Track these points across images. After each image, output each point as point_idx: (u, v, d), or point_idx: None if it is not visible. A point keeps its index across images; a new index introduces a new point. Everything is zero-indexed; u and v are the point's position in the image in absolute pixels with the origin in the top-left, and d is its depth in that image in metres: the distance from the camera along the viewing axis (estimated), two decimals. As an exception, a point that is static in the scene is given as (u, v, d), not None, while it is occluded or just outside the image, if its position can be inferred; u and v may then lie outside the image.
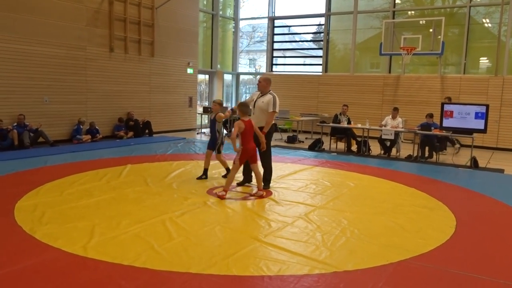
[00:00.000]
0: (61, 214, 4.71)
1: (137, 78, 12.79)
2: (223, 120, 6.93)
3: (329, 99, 14.91)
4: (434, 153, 9.80)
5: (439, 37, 12.39)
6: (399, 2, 14.67)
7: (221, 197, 5.59)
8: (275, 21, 17.00)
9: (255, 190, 6.01)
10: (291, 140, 12.37)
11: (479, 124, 9.10)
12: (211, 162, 6.93)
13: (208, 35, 16.77)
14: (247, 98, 7.40)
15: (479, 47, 13.43)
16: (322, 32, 16.01)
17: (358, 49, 15.14)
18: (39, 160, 7.95)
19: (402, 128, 10.51)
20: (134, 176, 6.79)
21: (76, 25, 10.97)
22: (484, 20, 13.40)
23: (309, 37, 18.73)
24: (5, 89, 9.62)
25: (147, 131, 12.68)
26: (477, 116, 9.11)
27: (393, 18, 14.09)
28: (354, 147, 10.86)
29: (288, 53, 18.05)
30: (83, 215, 4.71)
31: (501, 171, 8.71)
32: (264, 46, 17.72)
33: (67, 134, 10.93)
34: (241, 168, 6.14)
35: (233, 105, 15.20)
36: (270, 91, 6.33)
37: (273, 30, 16.91)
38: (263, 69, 17.90)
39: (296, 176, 7.29)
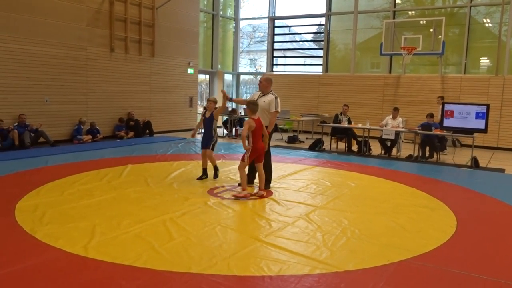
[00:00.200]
0: (62, 214, 4.71)
1: (138, 78, 12.80)
2: (224, 120, 6.94)
3: (329, 99, 14.91)
4: (434, 153, 9.79)
5: (440, 37, 12.39)
6: (400, 2, 14.66)
7: (246, 196, 5.62)
8: (276, 21, 17.01)
9: (256, 189, 6.01)
10: (292, 140, 12.37)
11: (480, 124, 9.10)
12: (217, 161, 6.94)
13: (209, 35, 16.78)
14: (247, 97, 7.40)
15: (480, 47, 13.42)
16: (322, 32, 16.01)
17: (359, 49, 15.14)
18: (39, 160, 7.95)
19: (403, 128, 10.50)
20: (134, 176, 6.79)
21: (76, 25, 10.98)
22: (484, 20, 13.39)
23: (310, 37, 18.74)
24: (5, 89, 9.63)
25: (147, 131, 12.69)
26: (478, 116, 9.12)
27: (394, 18, 14.09)
28: (354, 147, 10.85)
29: (288, 53, 18.06)
30: (83, 215, 4.71)
31: (502, 171, 8.70)
32: (264, 46, 17.73)
33: (68, 134, 10.94)
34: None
35: (233, 105, 15.14)
36: (271, 91, 6.33)
37: (273, 30, 16.92)
38: (264, 69, 17.90)
39: (296, 176, 7.29)
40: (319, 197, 5.91)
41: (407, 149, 10.68)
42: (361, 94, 14.31)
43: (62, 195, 5.52)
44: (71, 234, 4.10)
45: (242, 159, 5.75)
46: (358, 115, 12.91)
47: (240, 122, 13.89)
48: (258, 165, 5.90)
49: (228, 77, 18.04)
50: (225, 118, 13.91)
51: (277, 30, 17.15)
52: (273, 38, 16.98)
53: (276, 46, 17.14)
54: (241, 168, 5.79)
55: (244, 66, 20.03)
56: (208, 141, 6.68)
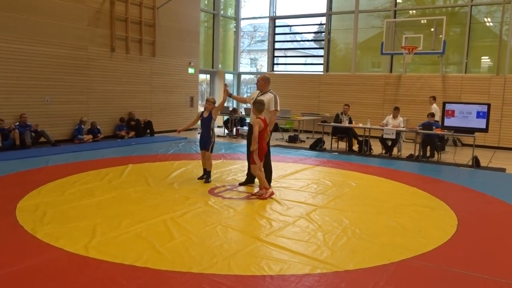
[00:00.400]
0: (63, 214, 4.72)
1: (139, 78, 12.80)
2: (225, 120, 6.93)
3: (330, 98, 14.91)
4: (435, 153, 9.79)
5: (441, 36, 12.37)
6: (400, 1, 14.65)
7: (271, 195, 5.65)
8: (276, 20, 17.00)
9: (256, 189, 6.01)
10: (293, 139, 12.38)
11: (481, 123, 9.09)
12: (213, 162, 6.92)
13: (209, 35, 16.78)
14: (246, 97, 7.40)
15: (481, 46, 13.40)
16: (323, 32, 16.00)
17: (359, 49, 15.13)
18: (40, 160, 7.96)
19: (404, 127, 10.50)
20: (135, 176, 6.80)
21: (77, 25, 10.98)
22: (485, 19, 13.37)
23: (310, 36, 18.73)
24: (6, 89, 9.64)
25: (148, 131, 12.70)
26: (479, 115, 9.11)
27: (395, 18, 14.08)
28: (355, 147, 10.85)
29: (289, 53, 18.05)
30: (84, 214, 4.72)
31: (503, 170, 8.69)
32: (265, 45, 17.72)
33: (69, 134, 10.95)
34: (245, 168, 6.14)
35: (234, 105, 15.16)
36: (270, 90, 6.33)
37: (274, 30, 16.91)
38: (264, 69, 17.89)
39: (297, 176, 7.28)
40: (320, 196, 5.91)
41: (408, 148, 10.67)
42: (362, 94, 14.30)
43: (63, 194, 5.52)
44: (72, 233, 4.11)
45: (253, 162, 5.74)
46: (359, 115, 12.90)
47: (241, 121, 13.89)
48: (252, 166, 5.89)
49: (229, 77, 18.03)
50: (225, 117, 13.92)
51: (277, 30, 17.14)
52: (274, 37, 16.97)
53: (277, 45, 17.13)
54: (256, 170, 5.79)
55: (245, 65, 20.03)
56: (207, 142, 6.60)
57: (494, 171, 8.49)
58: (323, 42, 15.87)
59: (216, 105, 6.82)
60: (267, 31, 17.05)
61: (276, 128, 13.70)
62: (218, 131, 13.79)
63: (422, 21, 13.92)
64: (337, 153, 10.33)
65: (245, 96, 18.33)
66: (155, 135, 12.75)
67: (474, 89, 12.61)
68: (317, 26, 16.91)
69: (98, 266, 3.42)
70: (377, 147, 10.66)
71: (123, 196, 5.57)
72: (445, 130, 9.47)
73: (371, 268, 3.55)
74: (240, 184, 6.42)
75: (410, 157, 9.91)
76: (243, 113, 13.70)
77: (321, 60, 15.93)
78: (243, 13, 17.99)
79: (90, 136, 11.03)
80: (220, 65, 17.17)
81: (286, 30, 18.45)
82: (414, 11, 14.40)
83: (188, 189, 6.03)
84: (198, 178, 6.71)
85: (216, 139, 7.10)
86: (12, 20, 9.62)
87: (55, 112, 10.64)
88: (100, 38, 11.58)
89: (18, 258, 3.51)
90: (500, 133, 12.24)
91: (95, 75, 11.50)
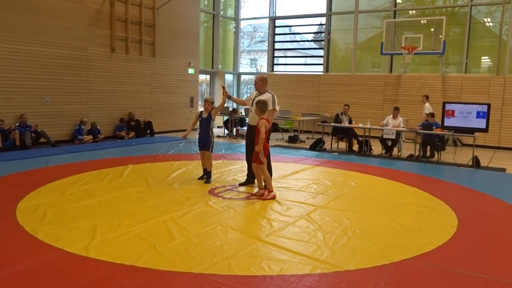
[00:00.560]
0: (63, 214, 4.72)
1: (139, 79, 12.80)
2: (225, 120, 6.92)
3: (330, 98, 14.91)
4: (435, 153, 9.78)
5: (440, 36, 12.38)
6: (400, 1, 14.66)
7: (272, 198, 5.64)
8: (276, 21, 17.01)
9: (255, 189, 6.01)
10: (293, 140, 12.38)
11: (481, 123, 9.09)
12: (213, 162, 6.92)
13: (209, 35, 16.78)
14: (245, 98, 7.40)
15: (481, 46, 13.41)
16: (323, 32, 16.01)
17: (359, 49, 15.13)
18: (40, 161, 7.96)
19: (403, 127, 10.50)
20: (135, 176, 6.80)
21: (77, 26, 10.99)
22: (485, 19, 13.38)
23: (310, 37, 18.74)
24: (6, 89, 9.64)
25: (148, 131, 12.70)
26: (479, 115, 9.11)
27: (394, 18, 14.08)
28: (355, 147, 10.85)
29: (289, 53, 18.06)
30: (84, 215, 4.72)
31: (503, 170, 8.70)
32: (265, 46, 17.73)
33: (69, 135, 10.95)
34: (245, 168, 6.14)
35: (234, 105, 15.13)
36: (267, 90, 6.33)
37: (274, 30, 16.92)
38: (264, 69, 17.90)
39: (297, 176, 7.29)
40: (320, 196, 5.91)
41: (408, 148, 10.68)
42: (361, 94, 14.30)
43: (63, 195, 5.52)
44: (72, 234, 4.11)
45: (260, 162, 5.72)
46: (359, 115, 12.90)
47: (241, 122, 13.89)
48: (254, 164, 5.89)
49: (228, 77, 18.04)
50: (225, 118, 13.92)
51: (277, 30, 17.15)
52: (274, 38, 16.98)
53: (277, 46, 17.14)
54: (265, 171, 5.78)
55: (244, 66, 20.04)
56: (206, 143, 6.59)
57: (494, 171, 8.49)
58: (323, 42, 15.87)
59: (216, 105, 6.82)
60: (267, 31, 17.05)
61: (276, 128, 13.72)
62: (218, 131, 13.81)
63: (422, 21, 13.93)
64: (337, 153, 10.33)
65: (244, 97, 18.36)
66: (155, 135, 12.76)
67: (474, 89, 12.62)
68: (317, 27, 16.92)
69: (98, 266, 3.42)
70: (377, 147, 10.66)
71: (124, 197, 5.57)
72: (445, 130, 9.48)
73: (371, 268, 3.54)
74: (240, 185, 6.42)
75: (410, 157, 9.91)
76: (243, 113, 13.70)
77: (321, 60, 15.93)
78: (243, 14, 18.01)
79: (90, 137, 11.04)
80: (220, 66, 17.17)
81: (286, 30, 18.46)
82: (414, 11, 14.41)
83: (188, 190, 6.03)
84: (198, 179, 6.71)
85: (216, 140, 7.10)
86: (11, 20, 9.63)
87: (55, 112, 10.64)
88: (100, 38, 11.58)
89: (18, 259, 3.51)
90: (500, 133, 12.24)
91: (95, 75, 11.51)
